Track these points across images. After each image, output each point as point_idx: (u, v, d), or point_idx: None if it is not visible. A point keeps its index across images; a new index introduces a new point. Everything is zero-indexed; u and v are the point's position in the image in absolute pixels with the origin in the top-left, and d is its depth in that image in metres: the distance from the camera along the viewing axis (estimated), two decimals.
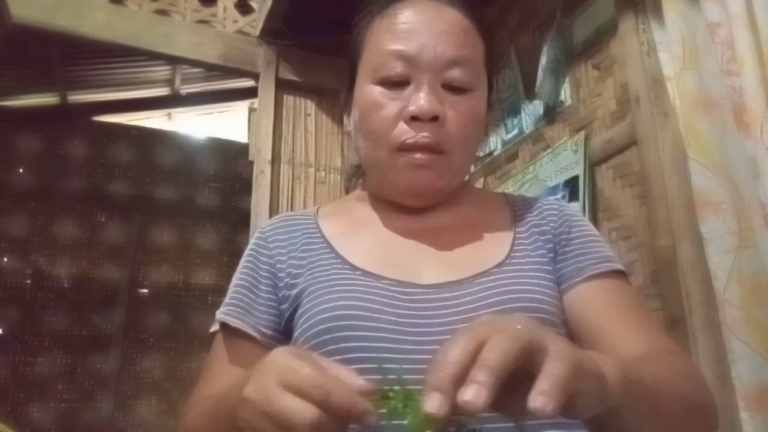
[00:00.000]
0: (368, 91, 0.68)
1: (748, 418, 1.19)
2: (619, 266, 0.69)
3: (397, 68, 0.66)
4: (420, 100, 0.65)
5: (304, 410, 0.40)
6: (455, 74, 0.67)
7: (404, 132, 0.65)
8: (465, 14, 0.70)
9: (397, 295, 0.62)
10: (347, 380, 0.42)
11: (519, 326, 0.41)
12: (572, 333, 0.65)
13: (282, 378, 0.42)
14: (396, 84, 0.67)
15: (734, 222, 1.28)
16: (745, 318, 1.23)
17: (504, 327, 0.40)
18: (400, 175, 0.67)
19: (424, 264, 0.67)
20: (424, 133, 0.65)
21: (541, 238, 0.70)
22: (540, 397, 0.37)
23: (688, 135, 1.39)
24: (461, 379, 0.37)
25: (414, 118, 0.65)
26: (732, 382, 1.23)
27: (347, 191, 0.86)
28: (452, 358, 0.38)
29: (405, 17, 0.68)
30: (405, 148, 0.66)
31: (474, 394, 0.36)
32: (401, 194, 0.70)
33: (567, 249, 0.69)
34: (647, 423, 0.50)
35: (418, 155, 0.65)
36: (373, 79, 0.68)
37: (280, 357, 0.44)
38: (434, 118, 0.65)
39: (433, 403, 0.37)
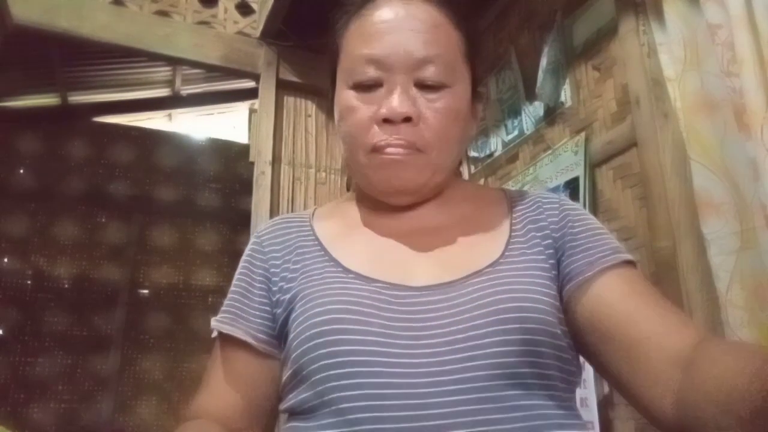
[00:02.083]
0: (344, 96, 0.69)
1: None
2: (629, 256, 0.67)
3: (369, 72, 0.66)
4: (392, 102, 0.64)
5: None
6: (428, 73, 0.66)
7: (377, 135, 0.65)
8: (438, 8, 0.69)
9: (389, 298, 0.62)
10: None
11: None
12: (587, 329, 0.63)
13: None
14: (369, 87, 0.67)
15: (736, 223, 1.28)
16: (747, 319, 1.23)
17: None
18: (378, 173, 0.67)
19: (416, 265, 0.66)
20: (397, 135, 0.65)
21: (538, 234, 0.69)
22: None
23: (690, 136, 1.39)
24: None
25: (386, 121, 0.65)
26: None
27: (348, 189, 0.87)
28: None
29: (376, 18, 0.68)
30: (378, 149, 0.65)
31: None
32: (383, 193, 0.70)
33: (573, 245, 0.68)
34: None
35: (391, 149, 0.65)
36: (347, 83, 0.68)
37: None
38: (407, 119, 0.65)
39: None
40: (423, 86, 0.66)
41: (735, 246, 1.28)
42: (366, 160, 0.67)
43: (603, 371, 0.64)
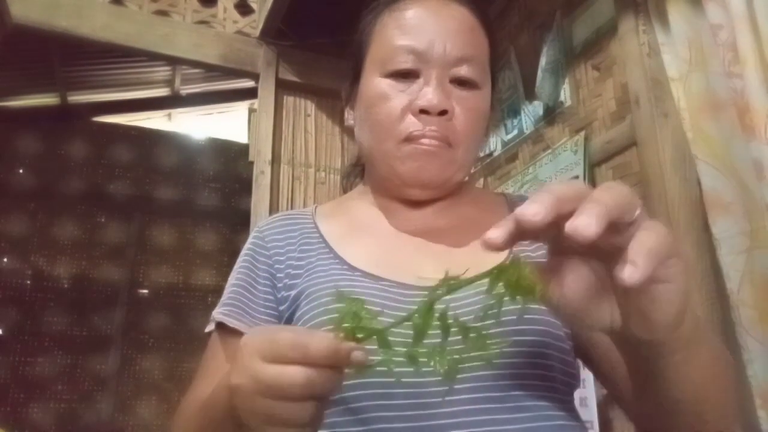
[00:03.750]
0: (376, 83, 0.69)
1: (765, 416, 1.20)
2: None
3: (407, 62, 0.67)
4: (429, 94, 0.65)
5: (291, 372, 0.40)
6: (463, 71, 0.67)
7: (412, 124, 0.66)
8: (472, 12, 0.71)
9: (396, 297, 0.62)
10: (321, 334, 0.42)
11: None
12: (579, 338, 0.64)
13: (260, 353, 0.42)
14: (405, 77, 0.67)
15: (746, 222, 1.28)
16: (759, 318, 1.23)
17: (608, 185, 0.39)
18: (407, 164, 0.67)
19: (423, 265, 0.66)
20: (432, 127, 0.66)
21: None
22: (629, 267, 0.35)
23: (696, 136, 1.38)
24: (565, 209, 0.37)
25: (423, 112, 0.66)
26: (749, 380, 1.23)
27: (344, 191, 0.86)
28: (555, 191, 0.38)
29: (413, 13, 0.69)
30: (412, 139, 0.66)
31: (586, 221, 0.35)
32: (407, 185, 0.70)
33: None
34: (705, 379, 0.49)
35: (426, 141, 0.66)
36: (381, 72, 0.69)
37: (252, 337, 0.44)
38: (442, 113, 0.66)
39: (532, 209, 0.36)
40: (457, 83, 0.68)
41: (745, 245, 1.27)
42: (396, 149, 0.67)
43: (595, 376, 0.68)
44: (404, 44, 0.67)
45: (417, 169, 0.67)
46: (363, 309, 0.43)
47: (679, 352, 0.45)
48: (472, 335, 0.42)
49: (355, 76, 0.74)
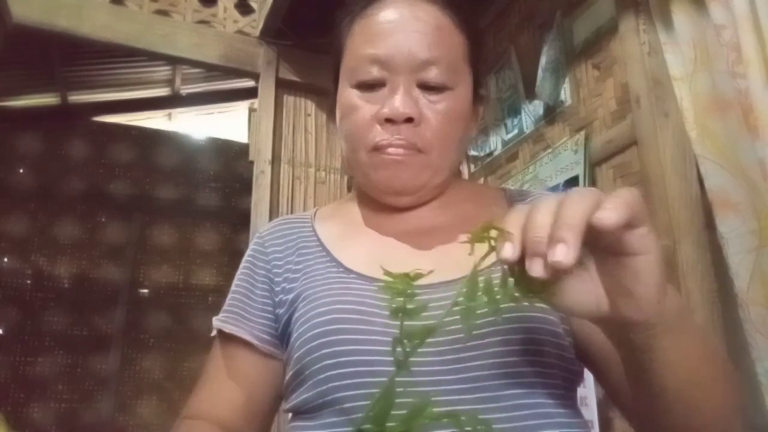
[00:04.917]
0: (346, 94, 0.69)
1: None
2: None
3: (372, 72, 0.66)
4: (394, 102, 0.65)
5: None
6: (430, 74, 0.66)
7: (378, 134, 0.66)
8: (442, 10, 0.69)
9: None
10: None
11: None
12: (577, 337, 0.63)
13: None
14: (372, 87, 0.67)
15: (754, 221, 1.28)
16: None
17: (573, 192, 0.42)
18: (379, 173, 0.67)
19: (418, 265, 0.66)
20: (398, 135, 0.65)
21: None
22: (605, 211, 0.38)
23: (703, 135, 1.38)
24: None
25: (388, 120, 0.65)
26: (758, 378, 1.23)
27: (349, 189, 0.87)
28: (526, 216, 0.42)
29: (381, 18, 0.68)
30: (379, 149, 0.66)
31: (563, 253, 0.38)
32: (382, 192, 0.70)
33: None
34: (696, 364, 0.49)
35: (392, 150, 0.65)
36: (350, 82, 0.69)
37: None
38: (408, 120, 0.65)
39: (507, 250, 0.42)
40: (425, 87, 0.67)
41: (754, 244, 1.27)
42: (367, 158, 0.67)
43: (594, 376, 0.66)
44: (368, 53, 0.67)
45: (388, 178, 0.67)
46: (411, 288, 0.46)
47: (668, 334, 0.46)
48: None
49: (335, 85, 0.75)
